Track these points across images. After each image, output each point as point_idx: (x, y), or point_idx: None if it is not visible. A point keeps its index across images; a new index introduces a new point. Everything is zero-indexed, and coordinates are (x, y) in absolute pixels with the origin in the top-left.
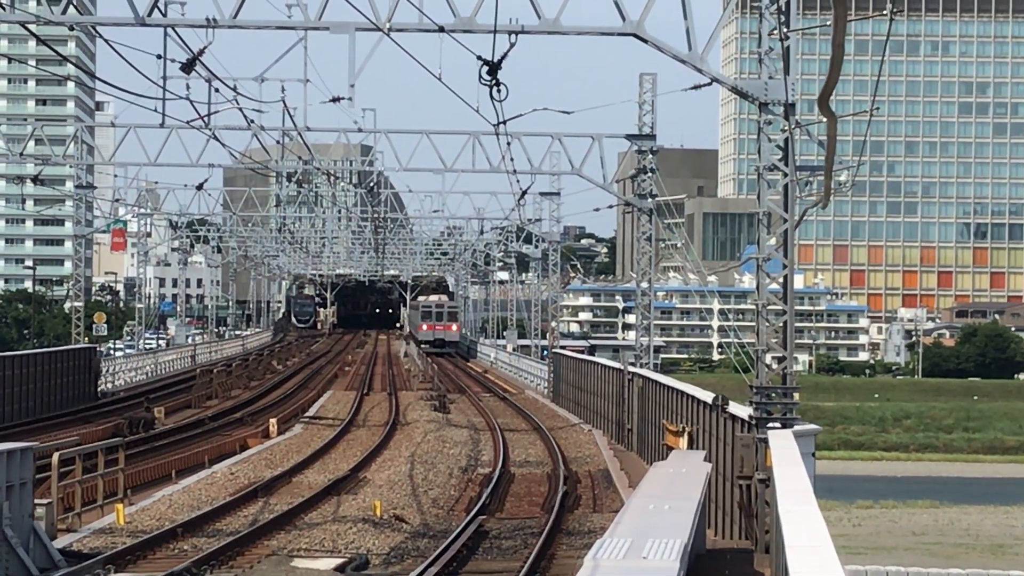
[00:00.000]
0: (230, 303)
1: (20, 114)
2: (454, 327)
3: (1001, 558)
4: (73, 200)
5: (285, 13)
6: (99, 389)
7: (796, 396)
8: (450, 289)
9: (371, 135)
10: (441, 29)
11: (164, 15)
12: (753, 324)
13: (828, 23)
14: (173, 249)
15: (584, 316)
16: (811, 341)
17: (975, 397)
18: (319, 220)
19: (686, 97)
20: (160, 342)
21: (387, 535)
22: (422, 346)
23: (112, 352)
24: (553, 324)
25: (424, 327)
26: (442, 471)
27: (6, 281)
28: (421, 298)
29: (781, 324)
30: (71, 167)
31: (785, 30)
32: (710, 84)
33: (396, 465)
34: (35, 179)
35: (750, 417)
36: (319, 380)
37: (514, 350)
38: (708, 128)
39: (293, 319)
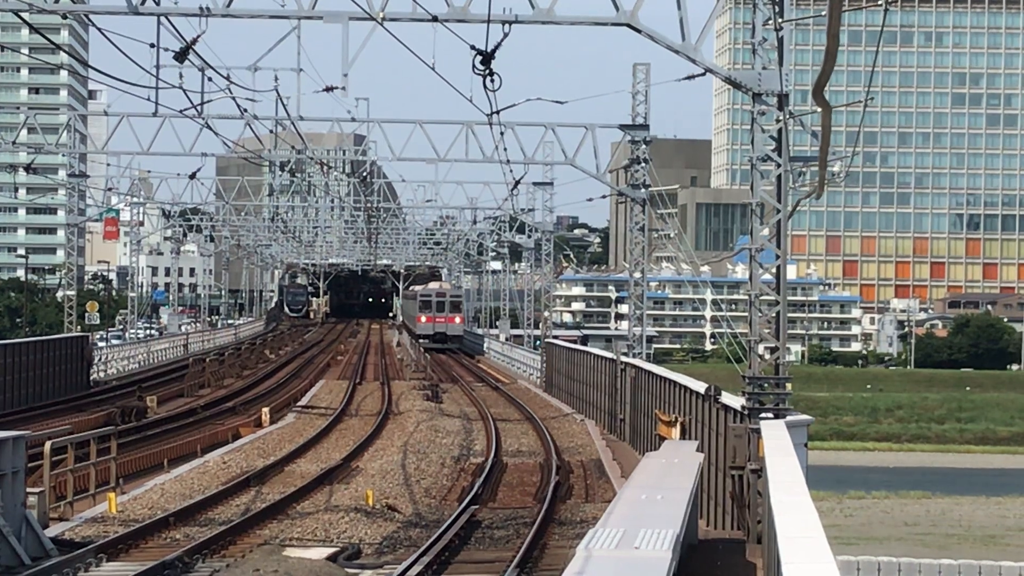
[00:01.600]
0: (223, 292)
1: (12, 102)
2: (457, 319)
3: (993, 549)
4: (66, 189)
5: (279, 2)
6: (91, 378)
7: (788, 386)
8: (443, 278)
9: (364, 124)
10: (435, 19)
11: (157, 3)
12: (746, 314)
13: (822, 14)
14: (166, 238)
15: (577, 306)
16: (804, 331)
17: (967, 388)
18: (312, 209)
19: (679, 87)
20: (151, 331)
21: (379, 525)
22: (420, 341)
23: (104, 340)
24: (546, 314)
25: (422, 319)
26: (434, 461)
27: None
28: (417, 286)
29: (774, 314)
30: (64, 156)
31: (779, 20)
32: (704, 74)
33: (389, 455)
34: (27, 168)
35: (743, 407)
36: (312, 369)
37: (507, 340)
38: (701, 118)
39: (286, 308)
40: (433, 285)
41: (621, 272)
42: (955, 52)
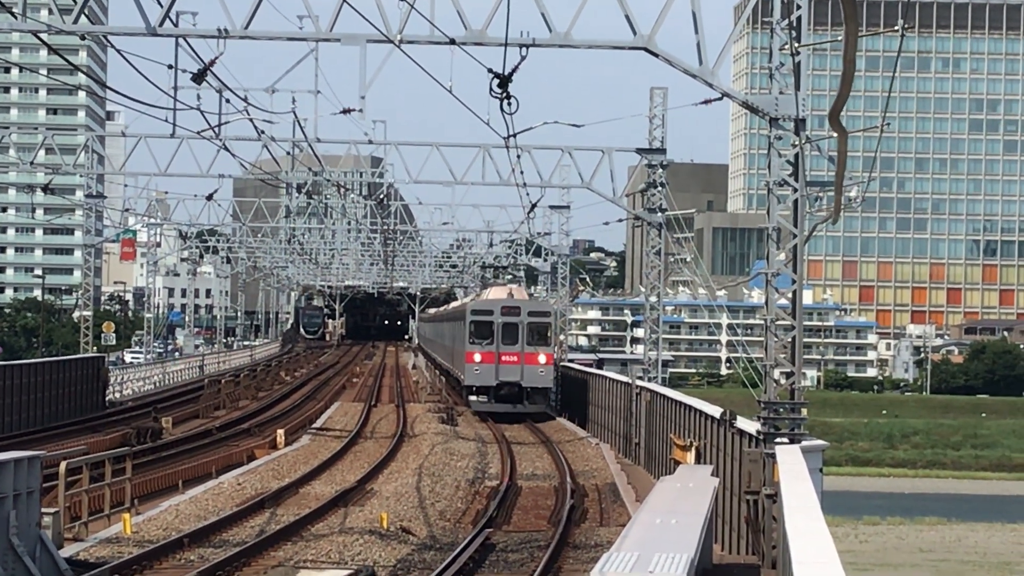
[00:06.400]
0: (239, 314)
1: (31, 123)
2: (542, 356)
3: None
4: (83, 209)
5: (296, 24)
6: (107, 399)
7: (804, 411)
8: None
9: (381, 147)
10: (452, 41)
11: (176, 25)
12: (761, 339)
13: (839, 39)
14: (182, 259)
15: (593, 330)
16: (819, 357)
17: (983, 414)
18: (328, 231)
19: (696, 111)
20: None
21: (394, 547)
22: (473, 398)
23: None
24: (562, 337)
25: (476, 357)
26: (449, 483)
27: (16, 290)
28: (465, 299)
29: (790, 339)
30: (81, 176)
31: (796, 45)
32: (720, 99)
33: (403, 477)
34: (45, 188)
35: (758, 432)
36: (327, 391)
37: None
38: (718, 143)
39: (302, 330)
40: (496, 292)
41: (637, 296)
42: (972, 78)
